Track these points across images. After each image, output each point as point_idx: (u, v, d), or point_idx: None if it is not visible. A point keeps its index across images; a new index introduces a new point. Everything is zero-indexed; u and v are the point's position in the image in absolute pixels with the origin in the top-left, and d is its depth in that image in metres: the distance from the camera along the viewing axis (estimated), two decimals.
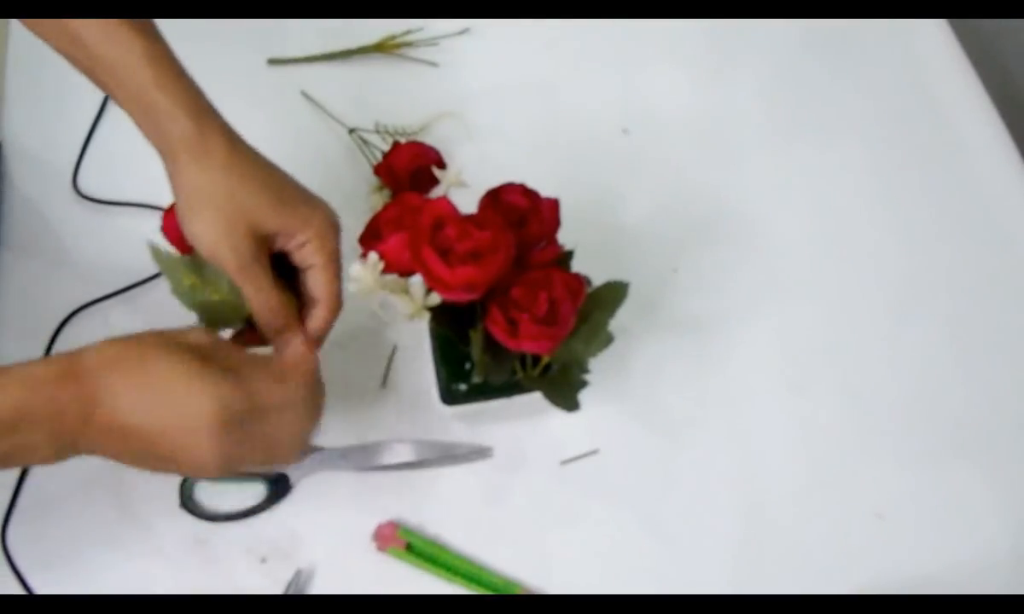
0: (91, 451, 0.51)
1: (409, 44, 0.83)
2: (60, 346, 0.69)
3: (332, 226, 0.56)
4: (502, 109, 0.81)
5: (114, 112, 0.79)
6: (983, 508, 0.67)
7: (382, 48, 0.83)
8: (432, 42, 0.84)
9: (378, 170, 0.71)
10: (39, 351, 0.68)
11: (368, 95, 0.81)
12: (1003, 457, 0.69)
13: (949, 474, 0.68)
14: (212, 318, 0.56)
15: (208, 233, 0.53)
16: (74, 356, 0.50)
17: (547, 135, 0.80)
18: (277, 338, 0.56)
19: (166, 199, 0.75)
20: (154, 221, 0.73)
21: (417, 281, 0.54)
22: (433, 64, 0.83)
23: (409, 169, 0.69)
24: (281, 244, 0.55)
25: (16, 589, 0.61)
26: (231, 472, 0.52)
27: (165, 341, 0.51)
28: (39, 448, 0.49)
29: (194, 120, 0.54)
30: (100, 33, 0.54)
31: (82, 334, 0.69)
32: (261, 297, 0.54)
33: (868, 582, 0.64)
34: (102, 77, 0.56)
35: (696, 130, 0.82)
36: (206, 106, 0.56)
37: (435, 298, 0.54)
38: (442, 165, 0.71)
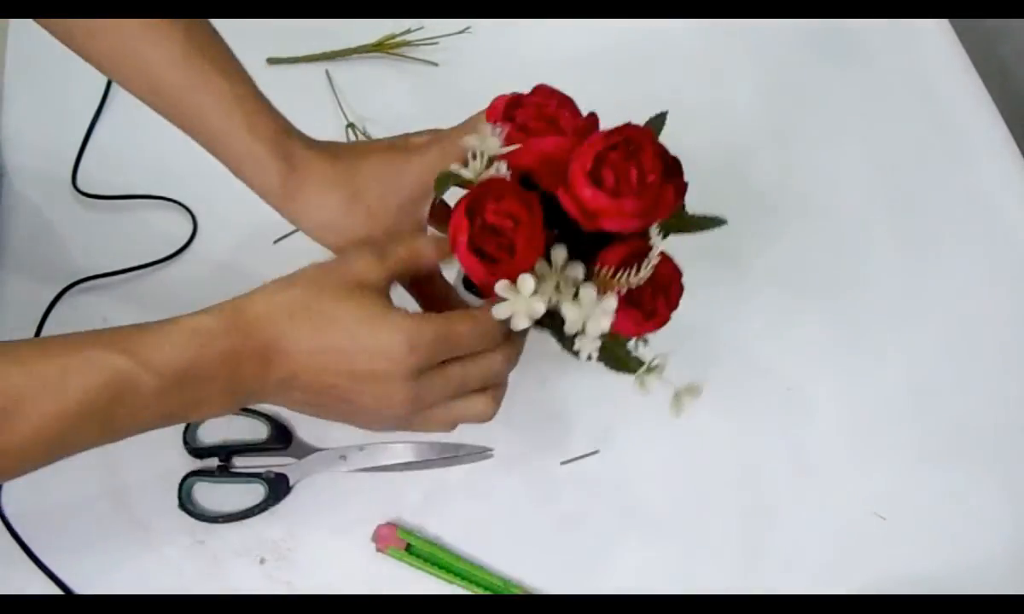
0: (268, 401, 0.48)
1: (409, 43, 0.83)
2: (52, 326, 0.68)
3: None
4: None
5: (113, 110, 0.79)
6: (984, 508, 0.67)
7: (382, 48, 0.83)
8: (432, 42, 0.83)
9: None
10: None
11: (368, 95, 0.81)
12: (1004, 457, 0.69)
13: (949, 474, 0.68)
14: None
15: (359, 256, 0.51)
16: (238, 304, 0.47)
17: None
18: None
19: (164, 191, 0.76)
20: (153, 213, 0.74)
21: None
22: (433, 64, 0.83)
23: None
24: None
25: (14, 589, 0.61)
26: (418, 420, 0.48)
27: (337, 280, 0.48)
28: (212, 401, 0.46)
29: (284, 161, 0.54)
30: (182, 80, 0.53)
31: (75, 314, 0.69)
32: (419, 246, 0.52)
33: (868, 582, 0.64)
34: (186, 125, 0.55)
35: (696, 130, 0.81)
36: (287, 134, 0.55)
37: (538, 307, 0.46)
38: None
